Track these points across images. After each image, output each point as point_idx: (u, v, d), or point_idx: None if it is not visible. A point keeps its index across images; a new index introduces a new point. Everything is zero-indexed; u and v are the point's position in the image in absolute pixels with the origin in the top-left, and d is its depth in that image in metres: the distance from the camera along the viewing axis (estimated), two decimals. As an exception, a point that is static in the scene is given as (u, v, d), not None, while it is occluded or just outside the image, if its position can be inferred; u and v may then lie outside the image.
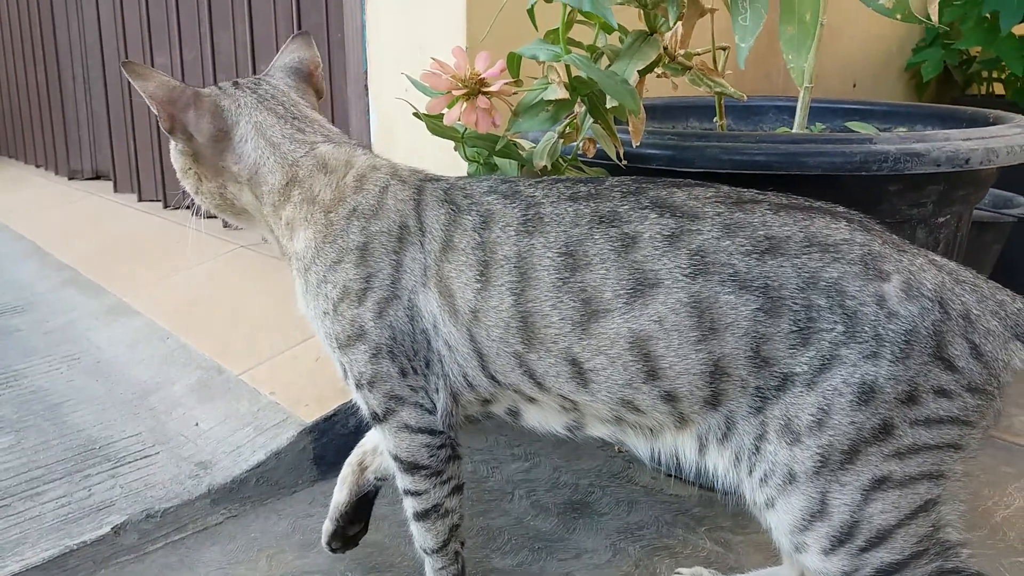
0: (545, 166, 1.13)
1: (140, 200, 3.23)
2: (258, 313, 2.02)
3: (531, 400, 1.02)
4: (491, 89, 1.00)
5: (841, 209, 0.94)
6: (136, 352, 1.95)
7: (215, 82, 2.62)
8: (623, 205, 0.95)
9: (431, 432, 1.05)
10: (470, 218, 0.99)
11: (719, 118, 1.33)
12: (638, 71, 1.00)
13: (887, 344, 0.85)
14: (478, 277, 0.97)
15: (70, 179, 3.86)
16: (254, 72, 2.42)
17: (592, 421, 1.01)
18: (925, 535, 0.89)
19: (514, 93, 1.06)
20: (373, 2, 1.77)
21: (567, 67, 1.02)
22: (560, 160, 1.18)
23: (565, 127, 1.12)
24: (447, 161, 1.12)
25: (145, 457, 1.50)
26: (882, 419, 0.86)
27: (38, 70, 4.06)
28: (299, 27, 2.20)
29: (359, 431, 1.54)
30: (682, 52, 1.10)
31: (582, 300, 0.92)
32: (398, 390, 1.04)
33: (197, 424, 1.59)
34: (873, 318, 0.86)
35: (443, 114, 1.03)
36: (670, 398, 0.93)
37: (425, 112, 1.04)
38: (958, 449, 0.89)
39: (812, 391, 0.87)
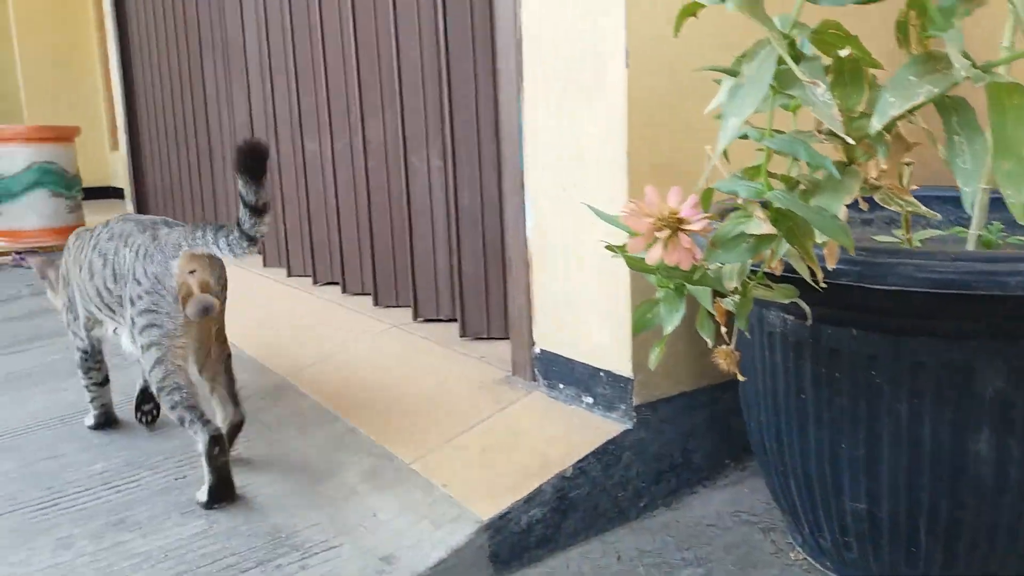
0: (736, 287, 1.15)
1: (289, 276, 3.43)
2: (419, 397, 2.11)
3: (100, 322, 1.98)
4: (693, 228, 1.04)
5: (158, 220, 1.84)
6: (307, 435, 2.06)
7: (366, 171, 2.79)
8: (132, 229, 1.81)
9: (82, 351, 2.08)
10: (79, 243, 1.97)
11: (905, 231, 1.32)
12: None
13: (138, 280, 1.74)
14: (78, 269, 1.94)
15: (219, 251, 4.14)
16: (405, 163, 2.56)
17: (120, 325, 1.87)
18: (163, 377, 1.72)
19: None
20: (530, 104, 1.85)
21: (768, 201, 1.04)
22: (747, 279, 1.20)
23: (756, 251, 1.15)
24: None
25: (331, 548, 1.58)
26: (131, 317, 1.73)
27: (190, 151, 4.42)
28: (450, 122, 2.31)
29: (531, 528, 1.58)
30: (875, 177, 1.11)
31: (101, 279, 1.85)
32: (74, 327, 2.05)
33: (375, 515, 1.67)
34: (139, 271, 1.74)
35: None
36: (107, 307, 1.86)
37: (626, 251, 1.08)
38: (156, 327, 1.69)
39: (130, 306, 1.74)
